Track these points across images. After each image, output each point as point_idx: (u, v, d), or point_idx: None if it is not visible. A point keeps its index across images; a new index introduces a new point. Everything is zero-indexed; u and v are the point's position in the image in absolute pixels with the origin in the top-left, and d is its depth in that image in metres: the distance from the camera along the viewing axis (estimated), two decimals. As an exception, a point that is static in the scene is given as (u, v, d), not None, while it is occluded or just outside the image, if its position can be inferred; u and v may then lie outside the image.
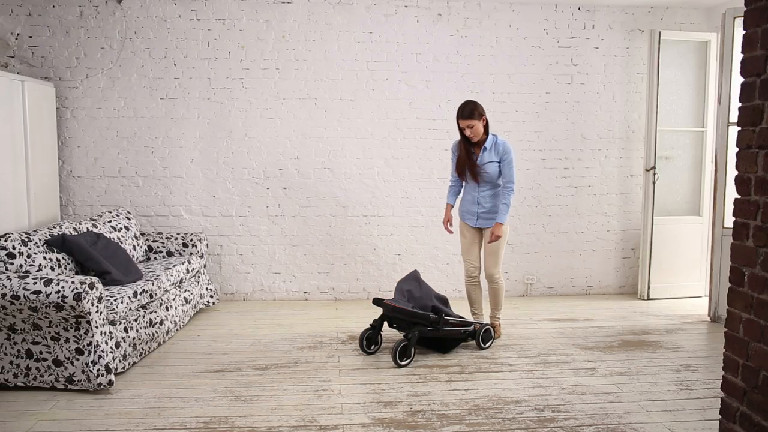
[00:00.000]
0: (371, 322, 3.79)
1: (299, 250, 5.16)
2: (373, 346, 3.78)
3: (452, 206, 4.07)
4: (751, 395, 2.02)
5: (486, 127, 3.83)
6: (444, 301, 3.91)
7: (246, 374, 3.42)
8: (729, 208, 4.10)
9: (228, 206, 5.08)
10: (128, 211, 4.71)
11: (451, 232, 4.09)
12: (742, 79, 2.09)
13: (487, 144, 3.83)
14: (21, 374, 3.13)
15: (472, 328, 3.83)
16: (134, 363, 3.51)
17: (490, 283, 4.00)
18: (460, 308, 4.46)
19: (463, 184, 4.04)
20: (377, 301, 3.77)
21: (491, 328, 3.92)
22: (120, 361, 3.32)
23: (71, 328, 3.08)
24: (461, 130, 3.82)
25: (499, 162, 3.83)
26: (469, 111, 3.73)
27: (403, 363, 3.55)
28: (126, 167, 4.98)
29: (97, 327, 3.11)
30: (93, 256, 3.67)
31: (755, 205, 2.01)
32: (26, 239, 3.42)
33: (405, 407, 2.97)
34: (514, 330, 4.31)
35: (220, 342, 4.02)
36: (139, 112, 4.94)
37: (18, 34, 4.79)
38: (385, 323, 3.79)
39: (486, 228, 3.95)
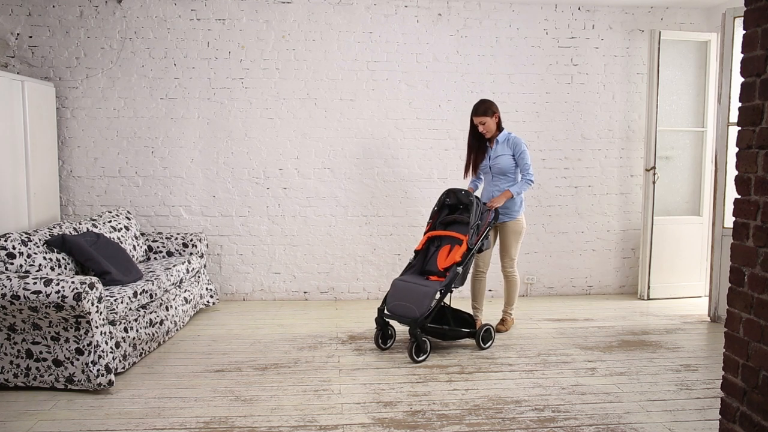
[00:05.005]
0: (376, 325, 3.83)
1: (299, 250, 5.16)
2: (389, 341, 3.88)
3: (473, 190, 4.24)
4: (751, 395, 2.02)
5: (499, 125, 4.06)
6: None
7: (246, 374, 3.42)
8: (729, 208, 4.10)
9: (228, 206, 5.08)
10: (128, 211, 4.71)
11: None
12: (742, 79, 2.09)
13: (500, 138, 4.06)
14: (21, 374, 3.13)
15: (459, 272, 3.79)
16: (134, 363, 3.51)
17: (504, 277, 4.28)
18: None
19: (481, 180, 4.25)
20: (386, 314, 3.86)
21: (491, 328, 3.93)
22: (120, 361, 3.32)
23: (71, 328, 3.08)
24: (474, 127, 4.05)
25: (513, 156, 4.03)
26: (483, 109, 3.99)
27: (420, 359, 3.62)
28: (126, 167, 4.98)
29: (97, 327, 3.11)
30: (93, 256, 3.67)
31: (755, 205, 2.01)
32: (26, 239, 3.42)
33: (405, 407, 2.97)
34: (514, 330, 4.31)
35: (220, 342, 4.02)
36: (139, 112, 4.94)
37: (18, 34, 4.79)
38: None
39: (503, 222, 4.11)
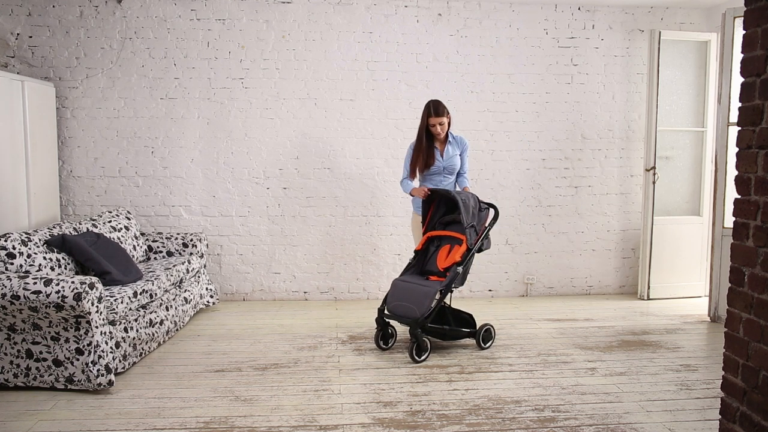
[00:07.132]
0: (376, 325, 3.83)
1: (299, 250, 5.16)
2: (389, 341, 3.86)
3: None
4: (751, 395, 2.02)
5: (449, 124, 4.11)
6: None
7: (246, 374, 3.42)
8: (729, 208, 4.10)
9: (228, 206, 5.08)
10: (128, 211, 4.71)
11: (427, 193, 3.92)
12: (742, 79, 2.09)
13: (450, 139, 4.09)
14: (21, 374, 3.13)
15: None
16: (134, 363, 3.51)
17: None
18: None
19: (415, 180, 4.16)
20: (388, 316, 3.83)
21: (491, 328, 3.93)
22: (120, 361, 3.32)
23: (71, 328, 3.08)
24: (430, 127, 3.99)
25: (461, 154, 4.11)
26: (442, 109, 3.98)
27: (421, 359, 3.62)
28: (126, 167, 4.98)
29: (97, 327, 3.11)
30: (93, 256, 3.67)
31: (755, 205, 2.01)
32: (26, 239, 3.42)
33: (405, 407, 2.97)
34: (514, 330, 4.31)
35: (220, 342, 4.02)
36: (139, 112, 4.94)
37: (18, 34, 4.79)
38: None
39: None
